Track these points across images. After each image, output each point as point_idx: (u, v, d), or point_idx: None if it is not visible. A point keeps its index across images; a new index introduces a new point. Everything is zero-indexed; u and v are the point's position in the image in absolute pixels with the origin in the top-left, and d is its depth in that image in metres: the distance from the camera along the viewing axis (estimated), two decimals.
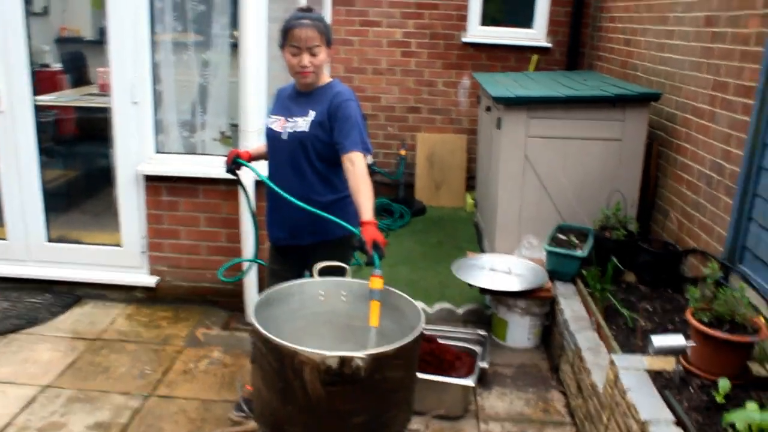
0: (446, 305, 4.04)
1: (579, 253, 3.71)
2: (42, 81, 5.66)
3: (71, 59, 6.44)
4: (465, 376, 3.14)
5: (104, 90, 4.61)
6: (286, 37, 2.55)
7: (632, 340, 3.02)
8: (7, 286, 4.18)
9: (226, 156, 2.83)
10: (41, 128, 4.14)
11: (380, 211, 5.71)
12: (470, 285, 3.75)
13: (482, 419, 3.10)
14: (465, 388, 3.08)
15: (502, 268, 3.80)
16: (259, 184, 3.50)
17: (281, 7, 3.91)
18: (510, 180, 4.17)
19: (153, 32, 3.91)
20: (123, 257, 4.15)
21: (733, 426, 2.05)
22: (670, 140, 4.05)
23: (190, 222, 4.05)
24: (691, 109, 3.75)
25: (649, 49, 4.51)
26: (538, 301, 3.68)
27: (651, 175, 4.21)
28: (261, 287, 3.65)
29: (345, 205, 2.64)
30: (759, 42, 3.01)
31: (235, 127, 3.90)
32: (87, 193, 5.37)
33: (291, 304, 2.34)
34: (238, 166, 2.81)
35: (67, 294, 4.16)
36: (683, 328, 2.88)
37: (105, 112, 4.03)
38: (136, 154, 3.97)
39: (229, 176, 2.87)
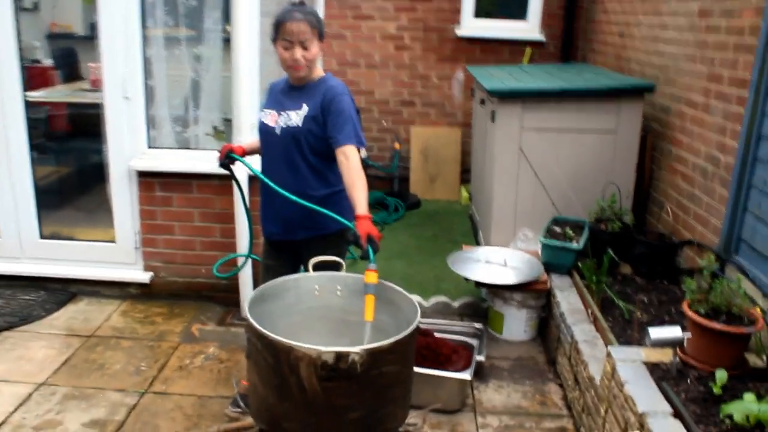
0: (442, 299, 4.04)
1: (575, 245, 3.71)
2: (33, 77, 5.64)
3: (62, 55, 6.40)
4: (462, 369, 3.14)
5: (96, 85, 4.59)
6: (278, 31, 2.53)
7: (629, 332, 3.03)
8: (0, 284, 4.16)
9: (219, 151, 2.81)
10: (32, 124, 4.12)
11: (375, 204, 5.70)
12: (466, 279, 3.75)
13: (480, 413, 3.10)
14: (462, 381, 3.08)
15: (498, 261, 3.79)
16: (253, 178, 3.48)
17: (274, 0, 3.89)
18: (505, 173, 4.16)
19: (144, 27, 3.88)
20: (117, 253, 4.13)
21: (730, 417, 2.05)
22: (664, 132, 4.05)
23: (184, 217, 4.02)
24: (686, 100, 3.74)
25: (643, 42, 4.50)
26: (534, 294, 3.67)
27: (646, 167, 4.21)
28: (256, 282, 3.63)
29: (339, 199, 2.62)
30: (753, 33, 3.00)
31: (228, 121, 3.89)
32: (80, 190, 5.35)
33: (286, 299, 2.34)
34: (232, 160, 2.78)
35: (62, 291, 4.14)
36: (680, 319, 2.88)
37: (97, 107, 4.00)
38: (128, 149, 3.94)
39: (223, 171, 2.86)
